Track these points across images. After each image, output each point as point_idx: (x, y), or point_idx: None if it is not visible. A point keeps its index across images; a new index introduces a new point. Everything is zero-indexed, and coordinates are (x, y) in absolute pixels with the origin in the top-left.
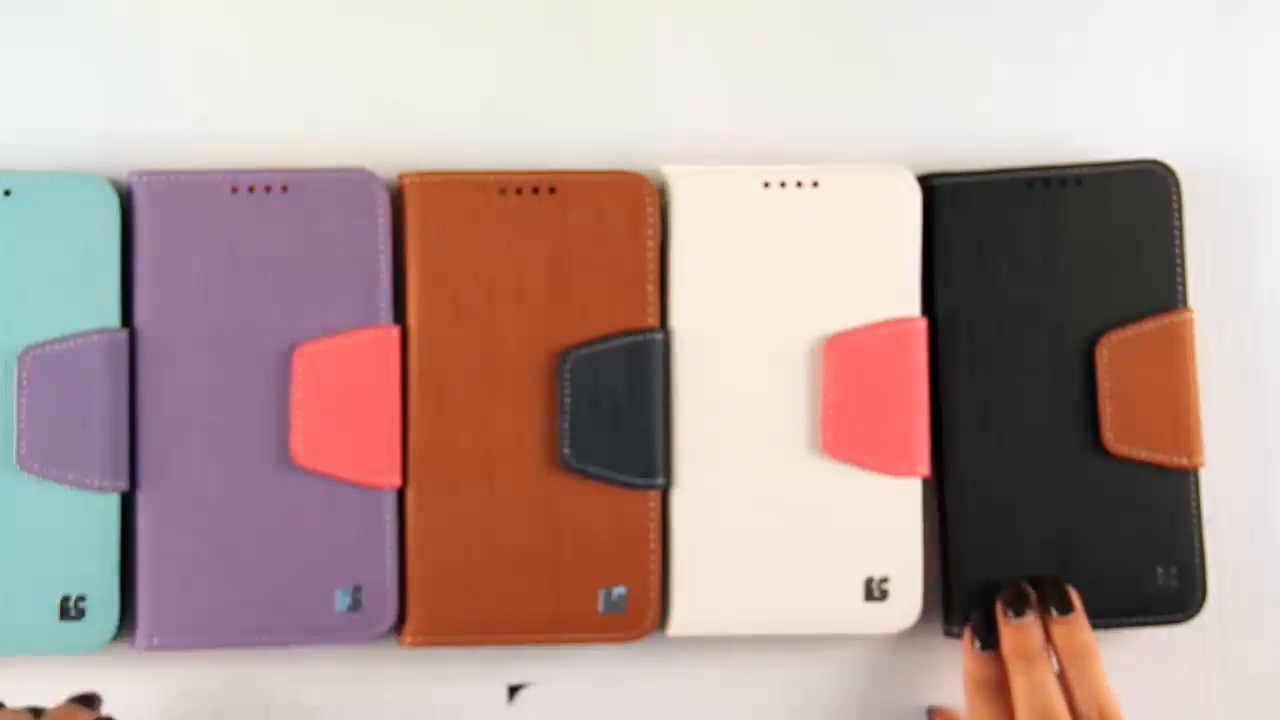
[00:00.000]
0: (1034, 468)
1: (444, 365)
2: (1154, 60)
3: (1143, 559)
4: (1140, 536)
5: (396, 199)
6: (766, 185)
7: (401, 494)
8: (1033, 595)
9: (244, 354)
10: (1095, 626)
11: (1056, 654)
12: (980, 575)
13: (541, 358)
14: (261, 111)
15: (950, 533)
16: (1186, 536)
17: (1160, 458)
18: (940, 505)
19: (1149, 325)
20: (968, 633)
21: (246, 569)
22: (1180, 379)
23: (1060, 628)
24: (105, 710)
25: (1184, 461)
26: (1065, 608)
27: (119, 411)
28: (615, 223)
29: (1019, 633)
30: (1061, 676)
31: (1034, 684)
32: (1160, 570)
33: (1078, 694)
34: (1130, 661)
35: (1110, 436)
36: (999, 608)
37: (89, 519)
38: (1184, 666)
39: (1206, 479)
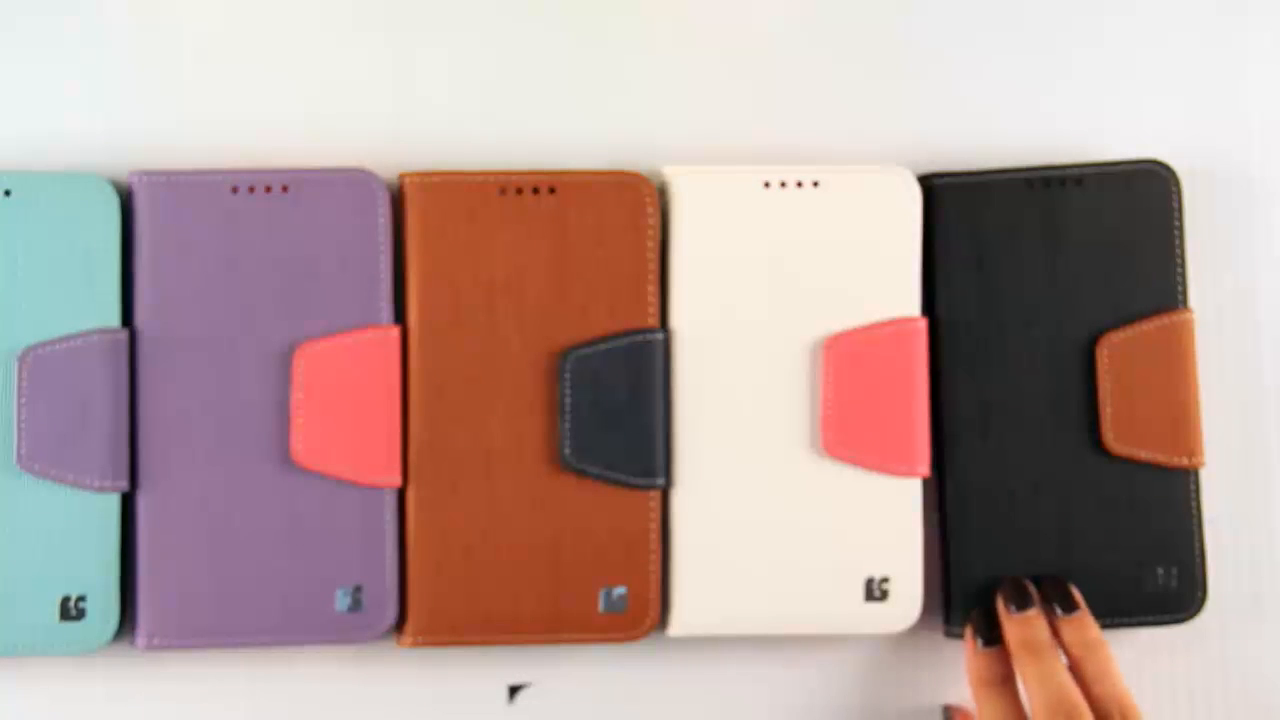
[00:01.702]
0: (1034, 468)
1: (444, 365)
2: (1154, 60)
3: (1143, 559)
4: (1140, 537)
5: (396, 199)
6: (767, 185)
7: (401, 494)
8: (1034, 590)
9: (244, 354)
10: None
11: (1067, 652)
12: (980, 575)
13: (541, 358)
14: (261, 111)
15: (950, 533)
16: (1186, 536)
17: (1160, 458)
18: (940, 505)
19: (1149, 325)
20: (969, 631)
21: (246, 569)
22: (1180, 379)
23: (1068, 626)
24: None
25: (1184, 461)
26: (1070, 607)
27: (119, 412)
28: (615, 223)
29: (1023, 626)
30: (1075, 673)
31: (1045, 673)
32: (1160, 570)
33: (1096, 688)
34: (1130, 661)
35: (1110, 436)
36: (1000, 603)
37: (89, 519)
38: (1184, 666)
39: (1206, 479)
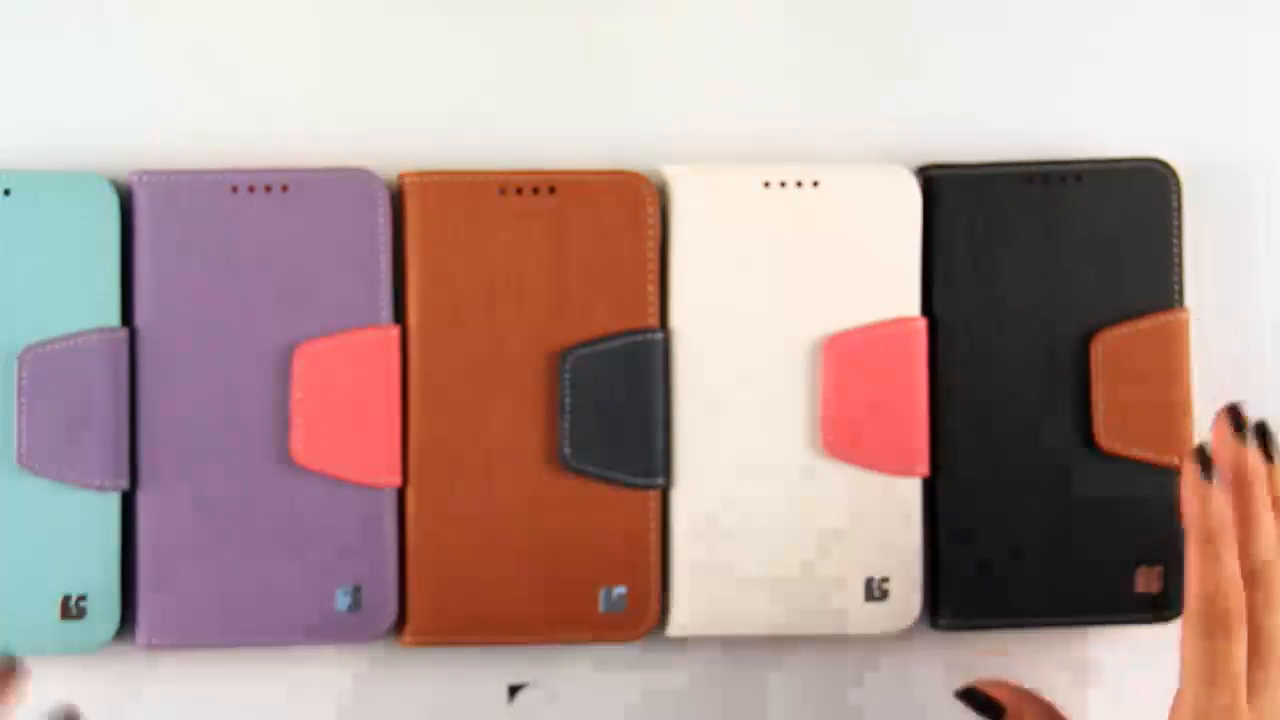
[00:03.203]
0: (1026, 464)
1: (444, 365)
2: (1154, 60)
3: (1134, 557)
4: (1131, 535)
5: (396, 199)
6: (766, 185)
7: (401, 494)
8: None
9: (244, 354)
10: (1084, 624)
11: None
12: (968, 570)
13: (541, 358)
14: (261, 111)
15: (940, 529)
16: (1178, 536)
17: (1152, 456)
18: (931, 500)
19: (1144, 323)
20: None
21: (246, 568)
22: (1174, 378)
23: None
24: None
25: (1176, 461)
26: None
27: (119, 411)
28: (615, 223)
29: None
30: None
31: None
32: (1151, 569)
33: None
34: (1120, 660)
35: (1103, 434)
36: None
37: (89, 519)
38: (1174, 665)
39: None
